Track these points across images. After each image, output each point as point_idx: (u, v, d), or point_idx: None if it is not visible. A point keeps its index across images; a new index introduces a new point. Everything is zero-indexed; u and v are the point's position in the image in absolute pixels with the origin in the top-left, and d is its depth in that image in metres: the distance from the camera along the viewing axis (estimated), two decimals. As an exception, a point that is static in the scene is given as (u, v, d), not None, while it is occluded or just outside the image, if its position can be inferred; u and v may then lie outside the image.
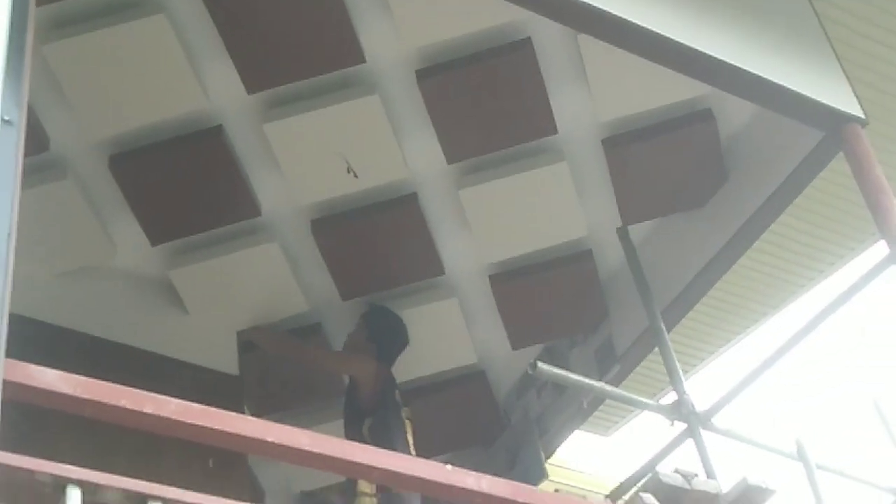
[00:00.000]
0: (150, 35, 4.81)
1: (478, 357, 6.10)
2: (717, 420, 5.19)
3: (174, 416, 2.54)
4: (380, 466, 2.66)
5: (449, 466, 2.78)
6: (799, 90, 4.58)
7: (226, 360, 5.75)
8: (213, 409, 2.60)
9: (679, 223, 5.63)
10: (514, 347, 6.04)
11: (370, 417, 5.33)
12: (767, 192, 5.15)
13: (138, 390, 2.60)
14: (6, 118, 2.65)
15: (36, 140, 4.95)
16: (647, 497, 3.70)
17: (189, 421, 2.55)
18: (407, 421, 5.41)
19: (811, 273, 6.40)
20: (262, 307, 5.75)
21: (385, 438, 5.17)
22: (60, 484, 2.30)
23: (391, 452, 2.68)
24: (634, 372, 6.00)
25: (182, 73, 4.93)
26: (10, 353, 2.49)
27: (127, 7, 4.78)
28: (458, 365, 6.11)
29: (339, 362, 5.72)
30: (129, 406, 2.52)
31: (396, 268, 5.71)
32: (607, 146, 5.38)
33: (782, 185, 5.09)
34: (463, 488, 2.76)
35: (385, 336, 5.63)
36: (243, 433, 2.60)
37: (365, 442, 5.20)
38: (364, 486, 5.20)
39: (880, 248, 4.52)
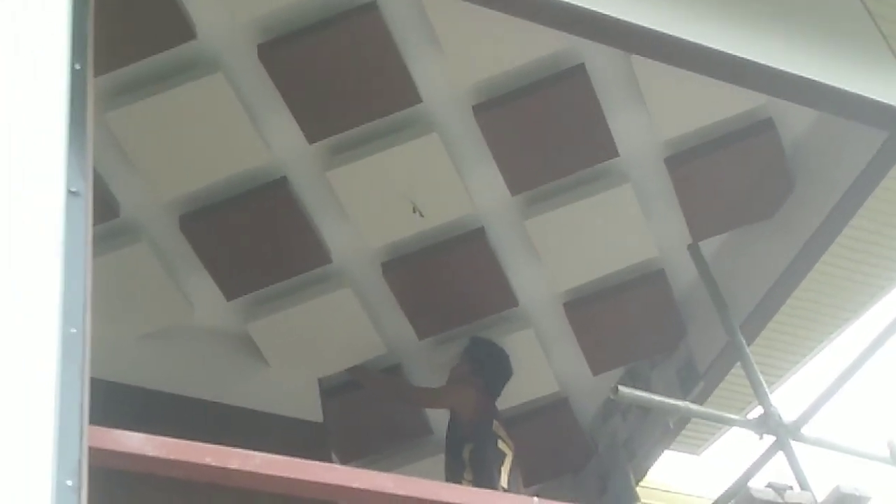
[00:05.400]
0: (209, 94, 4.89)
1: (559, 385, 6.09)
2: (806, 430, 5.13)
3: (260, 470, 2.57)
4: (466, 504, 2.67)
5: (536, 499, 2.78)
6: (858, 91, 4.55)
7: (310, 409, 5.78)
8: (297, 460, 2.62)
9: (750, 235, 5.59)
10: (595, 373, 6.02)
11: (470, 443, 5.37)
12: (836, 196, 5.10)
13: (223, 447, 2.63)
14: (73, 189, 2.71)
15: (106, 208, 5.06)
16: (740, 514, 3.66)
17: (275, 473, 2.58)
18: (507, 453, 5.42)
19: (890, 274, 6.31)
20: (342, 353, 5.79)
21: (482, 465, 5.24)
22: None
23: (475, 490, 2.70)
24: (719, 388, 5.94)
25: (243, 129, 5.00)
26: (96, 419, 2.53)
27: (184, 69, 4.86)
28: (540, 395, 6.10)
29: (436, 398, 5.76)
30: (214, 463, 2.55)
31: (470, 303, 5.72)
32: (670, 164, 5.37)
33: (851, 188, 5.04)
34: (551, 519, 2.76)
35: (488, 368, 5.65)
36: (328, 482, 2.62)
37: (464, 466, 5.28)
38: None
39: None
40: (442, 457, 5.55)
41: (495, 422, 5.47)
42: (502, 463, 5.36)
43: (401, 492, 2.64)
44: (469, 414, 5.46)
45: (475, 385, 5.57)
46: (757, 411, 5.29)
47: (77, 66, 2.86)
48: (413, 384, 5.93)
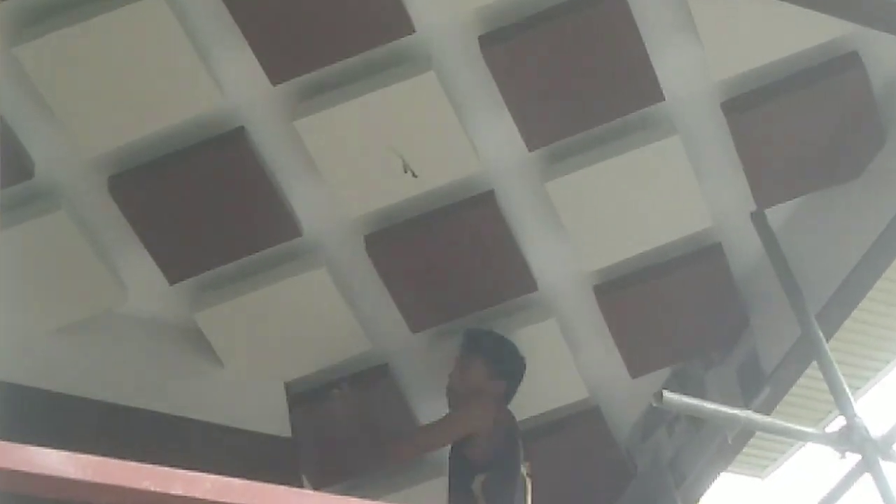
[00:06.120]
0: (147, 23, 4.88)
1: (589, 391, 6.11)
2: (899, 447, 5.17)
3: (210, 497, 2.58)
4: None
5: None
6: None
7: (274, 420, 5.80)
8: (257, 485, 2.63)
9: (829, 201, 5.61)
10: (634, 375, 6.04)
11: (484, 472, 5.35)
12: (938, 151, 5.13)
13: (166, 468, 2.64)
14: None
15: (17, 166, 5.05)
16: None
17: (229, 501, 2.59)
18: (527, 478, 5.42)
19: None
20: (314, 350, 5.81)
21: (502, 501, 5.25)
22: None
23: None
24: (790, 394, 5.97)
25: (190, 67, 5.00)
26: (3, 432, 2.53)
27: (114, -9, 4.86)
28: (565, 403, 6.11)
29: (455, 427, 5.54)
30: (154, 489, 2.56)
31: (477, 286, 5.73)
32: (728, 111, 5.37)
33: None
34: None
35: (510, 369, 5.61)
36: (296, 511, 2.63)
37: (476, 501, 5.29)
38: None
39: None
40: (440, 481, 5.57)
41: (520, 440, 5.44)
42: (526, 494, 5.36)
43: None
44: (487, 435, 5.39)
45: (494, 394, 5.52)
46: (838, 423, 5.31)
47: (-24, -13, 2.85)
48: (422, 425, 5.84)
